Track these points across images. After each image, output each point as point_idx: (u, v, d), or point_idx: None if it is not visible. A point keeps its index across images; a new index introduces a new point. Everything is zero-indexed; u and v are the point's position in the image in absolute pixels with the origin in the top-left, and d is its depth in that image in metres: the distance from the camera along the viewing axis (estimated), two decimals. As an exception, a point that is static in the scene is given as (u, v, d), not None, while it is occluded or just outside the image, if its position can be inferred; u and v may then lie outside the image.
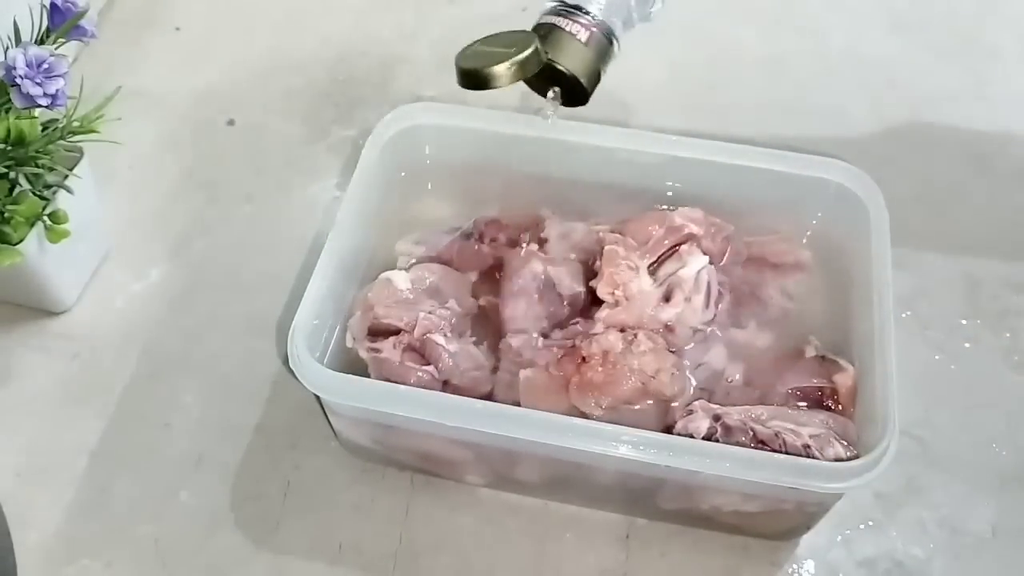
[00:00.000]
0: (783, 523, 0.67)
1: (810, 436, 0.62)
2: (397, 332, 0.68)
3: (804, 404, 0.66)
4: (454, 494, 0.70)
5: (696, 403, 0.65)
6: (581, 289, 0.72)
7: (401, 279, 0.71)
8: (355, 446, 0.71)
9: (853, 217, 0.73)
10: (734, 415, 0.63)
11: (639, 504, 0.68)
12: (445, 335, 0.68)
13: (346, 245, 0.71)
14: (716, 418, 0.63)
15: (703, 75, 0.98)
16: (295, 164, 0.90)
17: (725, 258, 0.74)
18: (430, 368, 0.67)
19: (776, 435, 0.62)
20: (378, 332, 0.68)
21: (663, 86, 0.97)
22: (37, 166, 0.70)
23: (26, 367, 0.77)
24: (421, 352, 0.67)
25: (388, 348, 0.67)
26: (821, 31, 1.02)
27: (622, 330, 0.68)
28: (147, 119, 0.93)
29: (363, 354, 0.68)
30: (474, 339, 0.71)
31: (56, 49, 0.68)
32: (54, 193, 0.72)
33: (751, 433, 0.62)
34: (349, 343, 0.69)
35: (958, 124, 0.94)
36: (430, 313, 0.69)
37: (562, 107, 0.72)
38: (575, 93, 0.71)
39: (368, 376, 0.67)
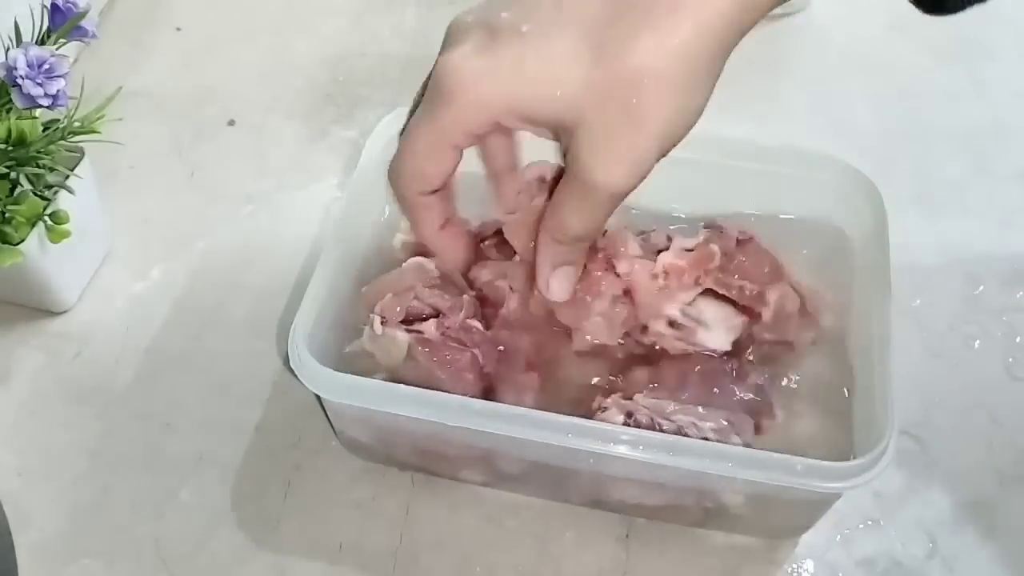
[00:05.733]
0: (782, 522, 0.67)
1: (711, 430, 0.62)
2: (437, 315, 0.67)
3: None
4: (455, 493, 0.70)
5: (609, 399, 0.64)
6: None
7: (431, 265, 0.70)
8: (356, 445, 0.71)
9: (853, 217, 0.73)
10: (643, 411, 0.63)
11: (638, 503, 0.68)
12: (480, 320, 0.67)
13: (346, 245, 0.71)
14: (629, 414, 0.63)
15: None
16: (295, 164, 0.91)
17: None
18: (475, 351, 0.66)
19: (679, 429, 0.62)
20: (415, 316, 0.67)
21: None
22: (38, 166, 0.70)
23: (26, 367, 0.77)
24: (461, 334, 0.66)
25: (430, 329, 0.66)
26: (822, 30, 1.02)
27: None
28: (148, 119, 0.93)
29: (400, 336, 0.66)
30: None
31: (57, 49, 0.68)
32: (55, 193, 0.72)
33: (659, 428, 0.62)
34: (378, 330, 0.67)
35: (958, 124, 0.94)
36: (466, 296, 0.68)
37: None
38: None
39: (367, 375, 0.67)
